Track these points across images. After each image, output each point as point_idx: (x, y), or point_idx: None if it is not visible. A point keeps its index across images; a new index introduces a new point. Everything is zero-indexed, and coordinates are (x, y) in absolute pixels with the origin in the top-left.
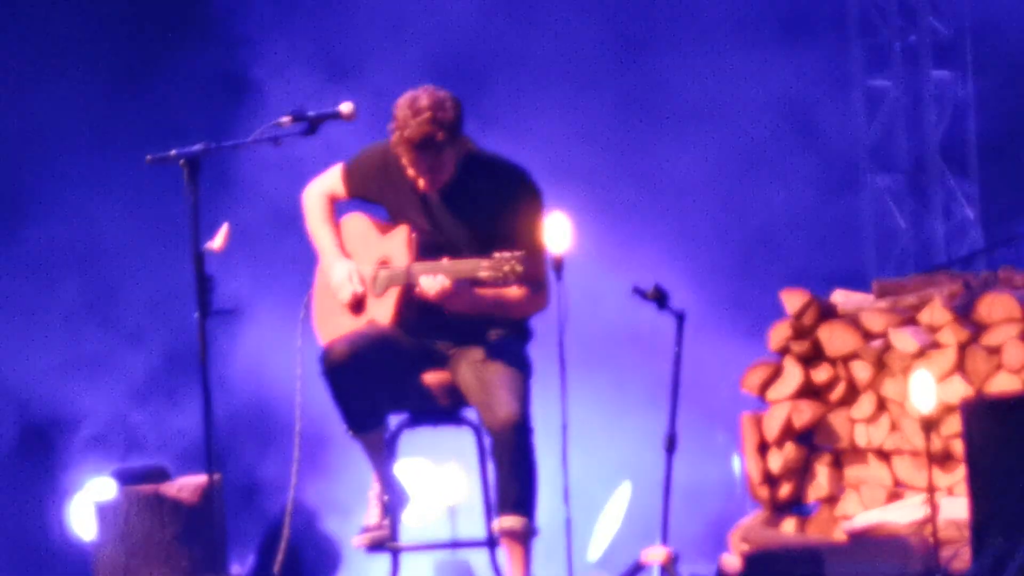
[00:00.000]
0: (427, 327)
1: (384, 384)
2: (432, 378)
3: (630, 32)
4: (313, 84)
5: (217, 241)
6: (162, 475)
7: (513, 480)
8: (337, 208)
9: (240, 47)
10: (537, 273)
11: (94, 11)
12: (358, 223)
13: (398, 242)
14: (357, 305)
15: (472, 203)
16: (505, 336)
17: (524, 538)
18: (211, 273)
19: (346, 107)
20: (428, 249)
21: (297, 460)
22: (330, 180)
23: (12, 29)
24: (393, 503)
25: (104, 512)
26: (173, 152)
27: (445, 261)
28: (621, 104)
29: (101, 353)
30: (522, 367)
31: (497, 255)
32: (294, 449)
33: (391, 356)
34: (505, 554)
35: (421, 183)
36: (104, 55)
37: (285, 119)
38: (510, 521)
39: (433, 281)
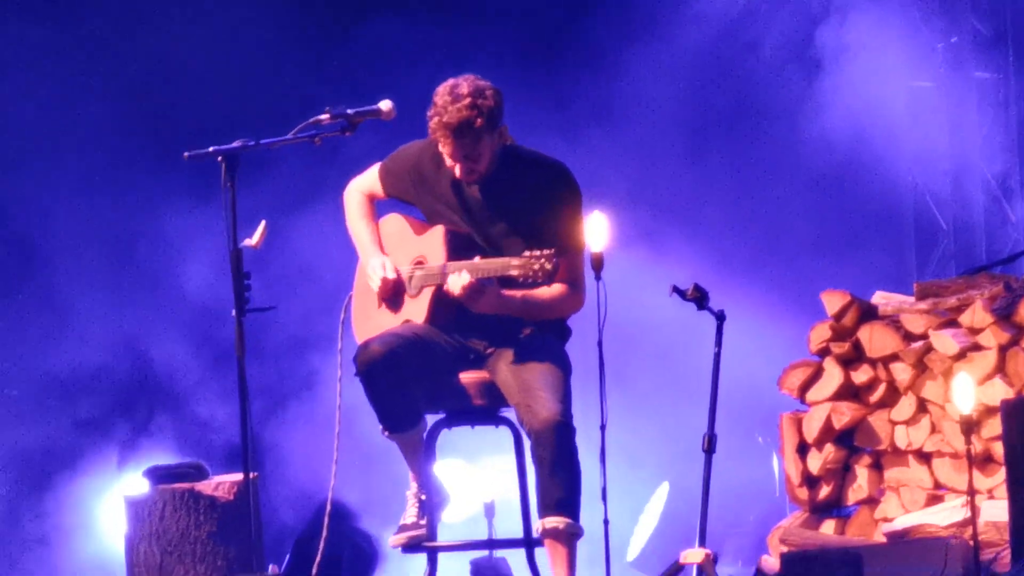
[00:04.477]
0: (462, 326)
1: (420, 383)
2: (469, 377)
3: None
4: None
5: (255, 238)
6: (199, 472)
7: (557, 480)
8: (377, 207)
9: None
10: (574, 273)
11: None
12: (395, 223)
13: (434, 241)
14: (391, 296)
15: (511, 198)
16: (543, 335)
17: (569, 539)
18: (248, 270)
19: (385, 104)
20: (464, 247)
21: (336, 460)
22: (368, 179)
23: None
24: (431, 503)
25: (137, 508)
26: (211, 148)
27: (477, 259)
28: (666, 103)
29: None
30: (561, 366)
31: (528, 253)
32: (333, 450)
33: (426, 355)
34: (548, 555)
35: (458, 171)
36: None
37: (324, 116)
38: (554, 521)
39: (458, 278)
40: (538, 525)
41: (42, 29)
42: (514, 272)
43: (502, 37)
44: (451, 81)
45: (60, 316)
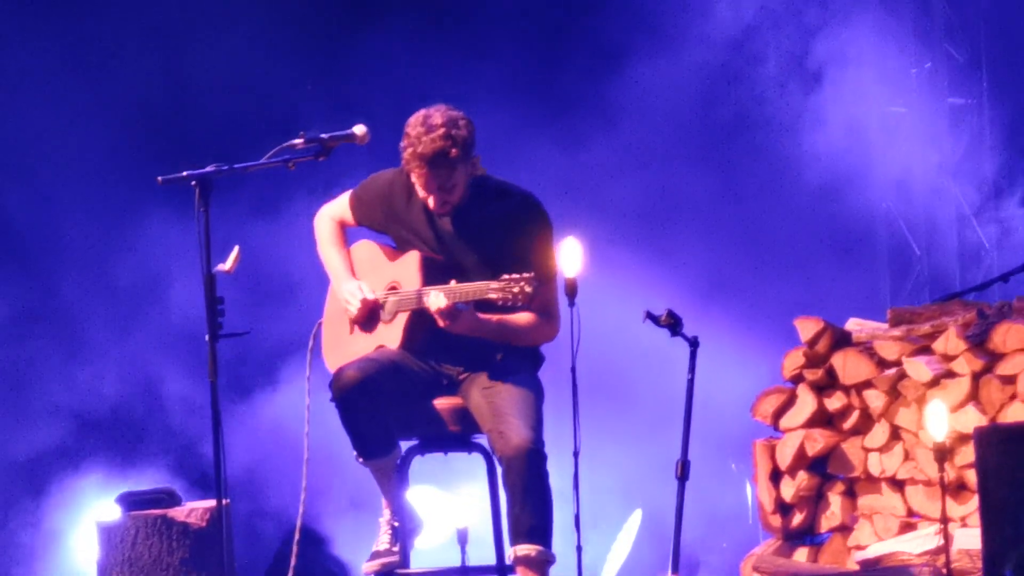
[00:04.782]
0: (436, 351)
1: (394, 409)
2: (442, 403)
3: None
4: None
5: (228, 263)
6: (172, 499)
7: (528, 507)
8: (347, 234)
9: None
10: (547, 301)
11: None
12: (367, 250)
13: (408, 267)
14: (365, 321)
15: (482, 227)
16: (516, 360)
17: (541, 566)
18: (221, 295)
19: (359, 129)
20: (439, 273)
21: (305, 488)
22: (339, 206)
23: None
24: (403, 529)
25: (109, 534)
26: (185, 173)
27: (453, 283)
28: (636, 130)
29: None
30: (534, 392)
31: (506, 276)
32: (302, 478)
33: (401, 381)
34: None
35: (432, 202)
36: None
37: (298, 140)
38: (526, 549)
39: (435, 300)
40: (510, 552)
41: (41, 44)
42: (493, 295)
43: (504, 40)
44: (423, 111)
45: (65, 338)
